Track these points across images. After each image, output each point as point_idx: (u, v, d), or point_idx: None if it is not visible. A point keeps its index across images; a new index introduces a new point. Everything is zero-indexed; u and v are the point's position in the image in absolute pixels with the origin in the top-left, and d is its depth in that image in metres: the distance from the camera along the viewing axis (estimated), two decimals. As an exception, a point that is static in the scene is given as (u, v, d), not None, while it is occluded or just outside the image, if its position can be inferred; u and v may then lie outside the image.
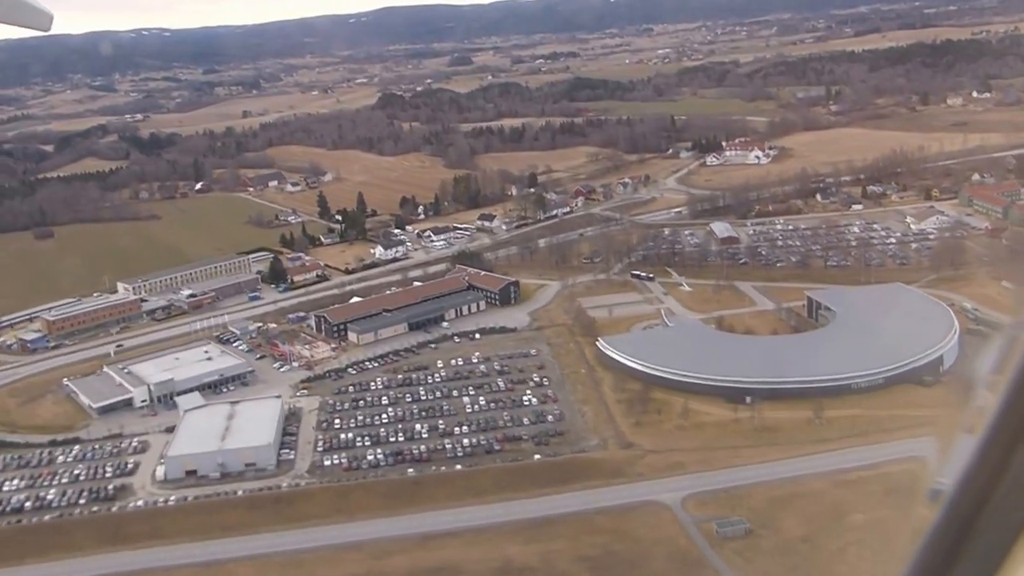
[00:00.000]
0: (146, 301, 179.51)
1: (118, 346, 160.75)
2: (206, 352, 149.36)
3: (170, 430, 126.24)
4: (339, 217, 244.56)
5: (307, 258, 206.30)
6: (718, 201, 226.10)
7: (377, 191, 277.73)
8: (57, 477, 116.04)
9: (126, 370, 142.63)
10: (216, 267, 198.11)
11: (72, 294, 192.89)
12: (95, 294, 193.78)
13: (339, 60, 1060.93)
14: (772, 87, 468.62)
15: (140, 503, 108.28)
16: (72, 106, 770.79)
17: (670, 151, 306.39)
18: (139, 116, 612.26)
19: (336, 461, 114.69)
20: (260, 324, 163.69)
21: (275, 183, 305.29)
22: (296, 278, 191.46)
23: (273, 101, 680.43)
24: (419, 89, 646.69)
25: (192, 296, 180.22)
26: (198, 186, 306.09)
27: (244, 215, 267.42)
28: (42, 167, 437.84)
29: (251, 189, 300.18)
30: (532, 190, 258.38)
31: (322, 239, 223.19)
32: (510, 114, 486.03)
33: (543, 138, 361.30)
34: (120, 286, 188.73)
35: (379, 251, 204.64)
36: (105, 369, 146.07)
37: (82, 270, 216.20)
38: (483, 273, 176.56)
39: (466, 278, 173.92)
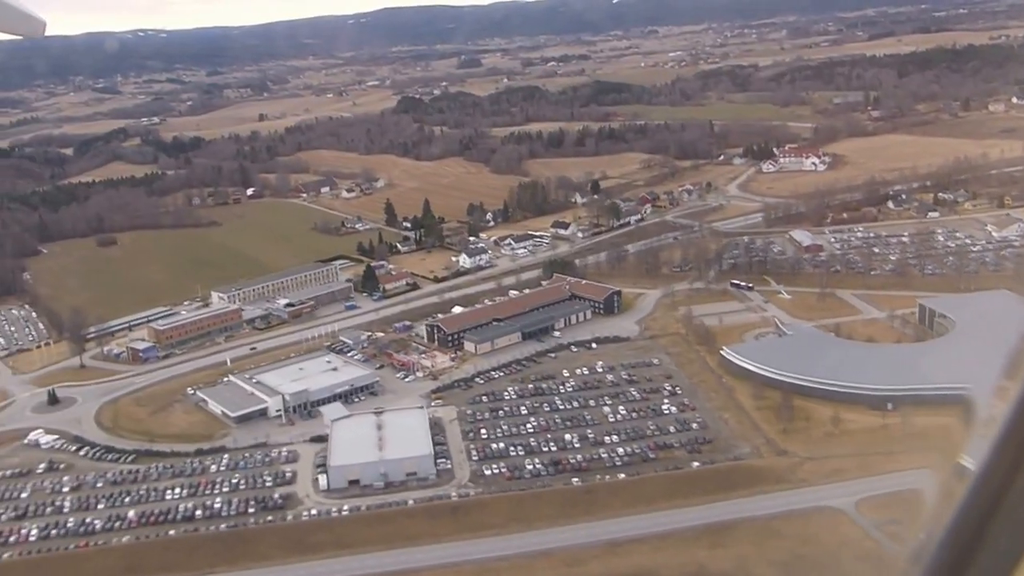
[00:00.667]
0: (243, 310, 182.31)
1: (252, 348, 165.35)
2: (328, 362, 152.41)
3: (315, 439, 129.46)
4: (407, 224, 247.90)
5: (391, 266, 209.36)
6: (790, 209, 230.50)
7: (433, 197, 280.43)
8: (217, 486, 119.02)
9: (254, 380, 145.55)
10: (305, 276, 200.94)
11: (160, 303, 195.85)
12: (185, 303, 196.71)
13: (342, 62, 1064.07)
14: (801, 91, 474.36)
15: (313, 512, 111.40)
16: (79, 108, 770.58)
17: (720, 157, 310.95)
18: (155, 119, 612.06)
19: (496, 471, 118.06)
20: (370, 333, 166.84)
21: (327, 189, 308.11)
22: (387, 287, 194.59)
23: (287, 104, 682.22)
24: (436, 92, 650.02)
25: (290, 305, 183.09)
26: (249, 192, 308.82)
27: (306, 221, 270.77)
28: (68, 171, 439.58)
29: (304, 195, 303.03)
30: (596, 197, 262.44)
31: (399, 247, 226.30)
32: (537, 118, 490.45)
33: (584, 144, 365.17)
34: (215, 295, 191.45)
35: (463, 259, 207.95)
36: (231, 378, 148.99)
37: (160, 278, 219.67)
38: (583, 282, 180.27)
39: (567, 287, 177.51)
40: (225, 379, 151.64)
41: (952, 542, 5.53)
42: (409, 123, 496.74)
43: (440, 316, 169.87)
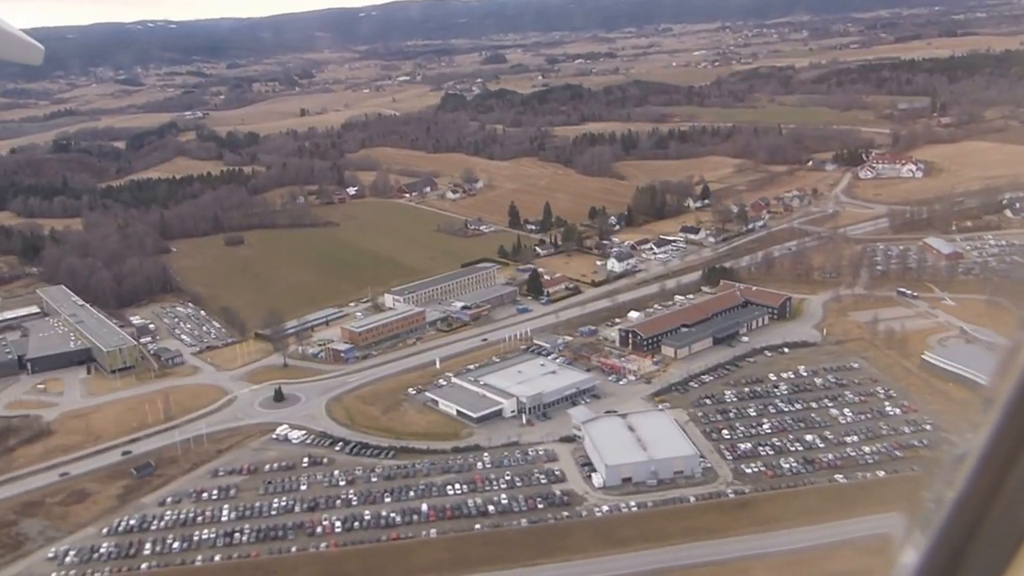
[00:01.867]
0: (425, 313, 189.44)
1: (481, 340, 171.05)
2: (542, 365, 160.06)
3: (563, 440, 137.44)
4: (532, 226, 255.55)
5: (541, 269, 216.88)
6: (912, 215, 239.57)
7: (537, 199, 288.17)
8: (493, 483, 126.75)
9: (482, 382, 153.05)
10: (468, 279, 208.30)
11: (321, 304, 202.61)
12: (351, 304, 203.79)
13: (359, 55, 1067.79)
14: (852, 95, 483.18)
15: (604, 508, 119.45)
16: (108, 101, 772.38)
17: (810, 163, 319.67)
18: (198, 114, 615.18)
19: (755, 469, 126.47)
20: (564, 338, 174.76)
21: (428, 189, 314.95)
22: (549, 290, 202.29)
23: (323, 99, 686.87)
24: (475, 90, 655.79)
25: (466, 308, 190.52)
26: (352, 191, 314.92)
27: (423, 222, 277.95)
28: (134, 166, 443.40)
29: (407, 195, 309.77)
30: (708, 201, 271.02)
31: (539, 250, 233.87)
32: (592, 118, 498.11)
33: (662, 146, 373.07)
34: (389, 298, 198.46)
35: (612, 263, 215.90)
36: (455, 380, 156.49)
37: (307, 278, 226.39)
38: (754, 288, 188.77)
39: (739, 293, 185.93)
40: (441, 381, 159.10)
41: (943, 543, 5.64)
42: (465, 121, 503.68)
43: (632, 321, 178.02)
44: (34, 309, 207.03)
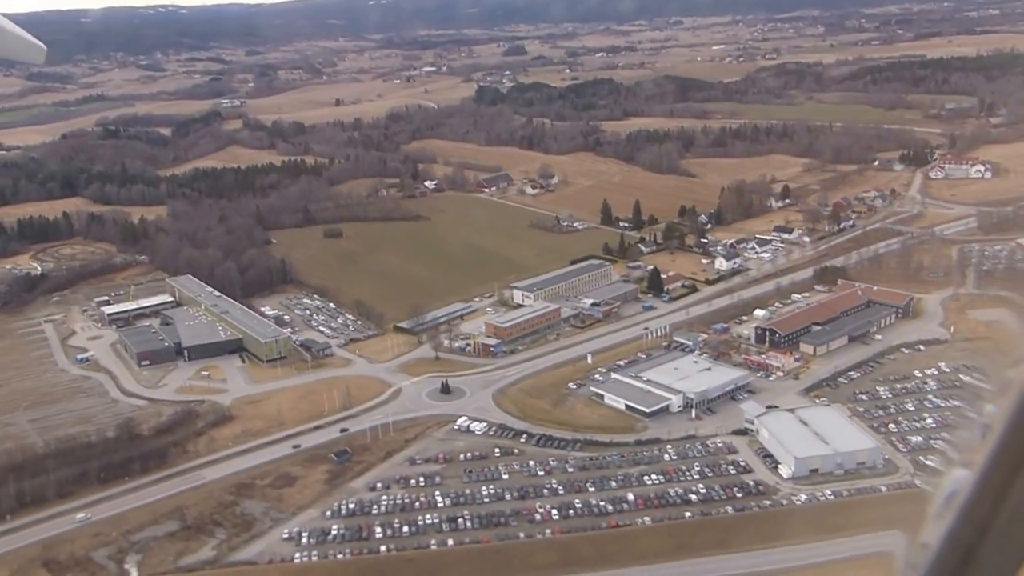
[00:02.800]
0: (560, 309, 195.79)
1: (645, 329, 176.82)
2: (695, 362, 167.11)
3: (737, 432, 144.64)
4: (624, 224, 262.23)
5: (649, 268, 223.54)
6: (1001, 216, 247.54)
7: (614, 196, 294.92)
8: (685, 473, 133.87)
9: (645, 378, 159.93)
10: (587, 276, 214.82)
11: (440, 299, 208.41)
12: (475, 299, 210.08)
13: (375, 44, 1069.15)
14: (891, 93, 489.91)
15: (803, 497, 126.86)
16: (135, 86, 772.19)
17: (876, 162, 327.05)
18: (236, 102, 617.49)
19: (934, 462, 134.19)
20: (703, 335, 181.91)
21: (504, 184, 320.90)
22: (668, 288, 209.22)
23: (354, 88, 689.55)
24: (506, 83, 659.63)
25: (596, 305, 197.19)
26: (431, 185, 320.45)
27: (511, 217, 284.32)
28: (189, 154, 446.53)
29: (486, 190, 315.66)
30: (788, 201, 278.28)
31: (642, 248, 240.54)
32: (635, 113, 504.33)
33: (719, 143, 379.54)
34: (518, 294, 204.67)
35: (720, 262, 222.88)
36: (615, 376, 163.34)
37: (422, 272, 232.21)
38: (875, 288, 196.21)
39: (860, 293, 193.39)
40: (596, 376, 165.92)
41: (946, 557, 5.74)
42: (509, 114, 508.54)
43: (760, 319, 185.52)
44: (167, 298, 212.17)
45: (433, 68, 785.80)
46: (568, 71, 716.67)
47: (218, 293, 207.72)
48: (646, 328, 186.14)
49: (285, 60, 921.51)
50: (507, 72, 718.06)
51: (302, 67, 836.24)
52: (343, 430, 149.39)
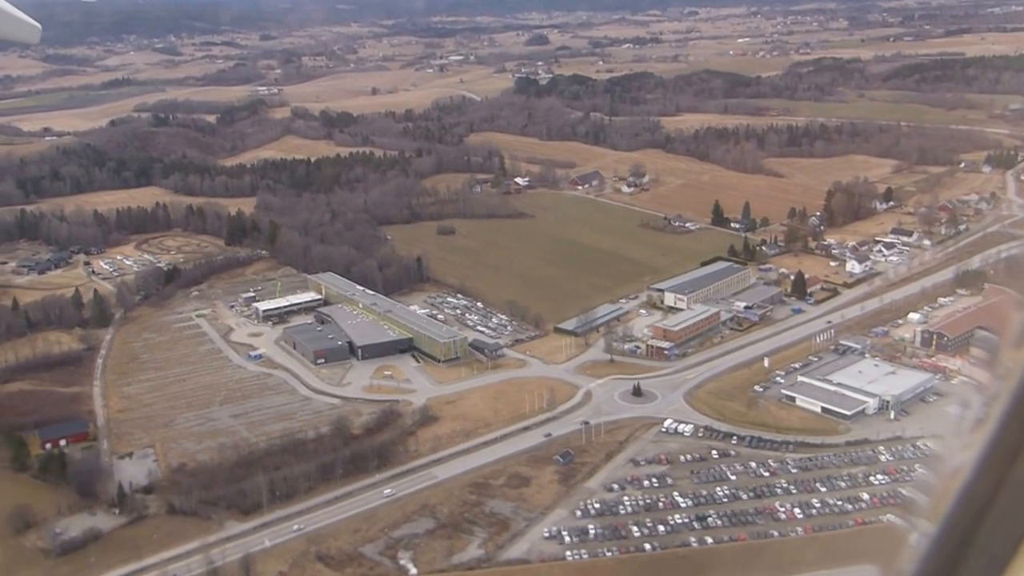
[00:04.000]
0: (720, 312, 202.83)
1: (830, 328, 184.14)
2: (876, 365, 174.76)
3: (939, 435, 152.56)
4: (736, 225, 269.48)
5: (781, 270, 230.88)
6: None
7: (706, 195, 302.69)
8: (906, 474, 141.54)
9: (835, 381, 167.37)
10: (731, 279, 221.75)
11: (584, 298, 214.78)
12: (622, 300, 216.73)
13: (387, 30, 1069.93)
14: (947, 92, 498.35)
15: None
16: (158, 71, 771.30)
17: (963, 164, 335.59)
18: (275, 89, 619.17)
19: None
20: (869, 338, 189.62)
21: (595, 182, 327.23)
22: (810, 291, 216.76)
23: (387, 77, 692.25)
24: (543, 74, 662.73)
25: (749, 308, 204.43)
26: (523, 182, 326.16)
27: (617, 216, 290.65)
28: (246, 144, 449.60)
29: (580, 187, 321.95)
30: (892, 203, 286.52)
31: (764, 250, 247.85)
32: (688, 109, 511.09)
33: (794, 142, 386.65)
34: (670, 296, 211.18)
35: (852, 265, 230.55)
36: (802, 379, 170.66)
37: (550, 272, 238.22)
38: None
39: (1013, 296, 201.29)
40: (777, 378, 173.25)
41: (944, 539, 5.86)
42: (561, 108, 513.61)
43: (915, 322, 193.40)
44: (314, 295, 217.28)
45: (460, 57, 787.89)
46: (601, 63, 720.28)
47: (371, 292, 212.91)
48: (829, 323, 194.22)
49: (302, 46, 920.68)
50: (539, 63, 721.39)
51: (323, 53, 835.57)
52: (583, 423, 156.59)
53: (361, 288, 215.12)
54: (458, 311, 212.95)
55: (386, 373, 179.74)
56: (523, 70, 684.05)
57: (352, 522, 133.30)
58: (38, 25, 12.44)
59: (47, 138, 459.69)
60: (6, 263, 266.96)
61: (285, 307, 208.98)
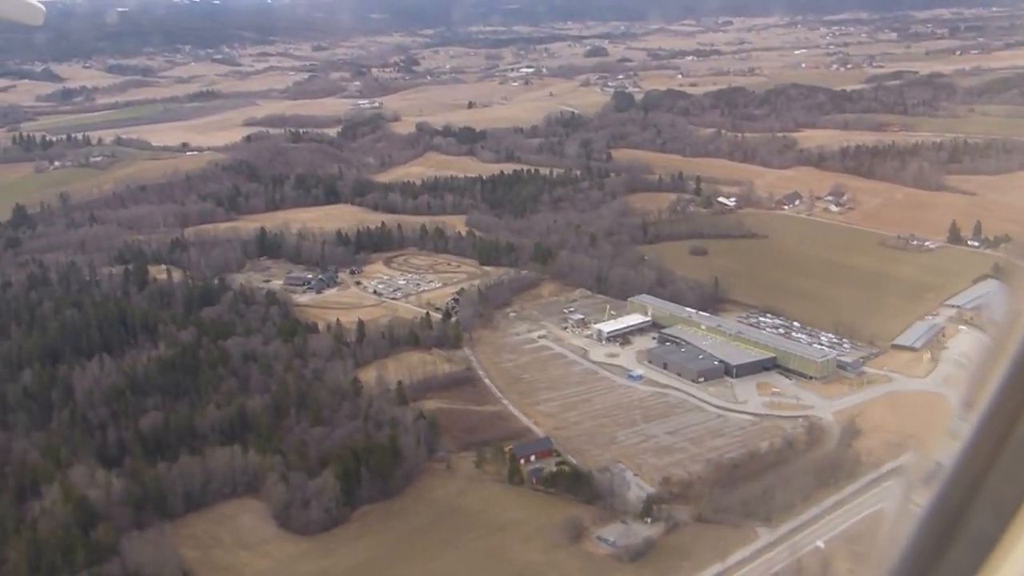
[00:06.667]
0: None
1: None
2: None
3: None
4: (974, 243, 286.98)
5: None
6: None
7: (910, 213, 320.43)
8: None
9: None
10: None
11: (887, 316, 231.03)
12: (927, 317, 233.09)
13: (431, 40, 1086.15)
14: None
15: None
16: (233, 83, 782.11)
17: None
18: (376, 102, 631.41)
19: None
20: None
21: (796, 202, 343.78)
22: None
23: (475, 90, 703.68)
24: (628, 88, 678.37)
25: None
26: (729, 202, 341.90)
27: (844, 236, 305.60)
28: (394, 159, 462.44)
29: (786, 207, 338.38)
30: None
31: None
32: (805, 125, 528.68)
33: (955, 159, 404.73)
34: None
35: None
36: None
37: (836, 291, 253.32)
38: None
39: None
40: None
41: (929, 526, 5.98)
42: (684, 124, 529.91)
43: None
44: (642, 317, 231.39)
45: (531, 69, 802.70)
46: (680, 76, 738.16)
47: (705, 312, 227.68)
48: None
49: (357, 57, 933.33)
50: (619, 76, 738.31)
51: (388, 65, 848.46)
52: None
53: (692, 310, 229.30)
54: (781, 330, 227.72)
55: (774, 390, 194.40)
56: (609, 84, 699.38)
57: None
58: (42, 7, 12.84)
59: (188, 153, 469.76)
60: (268, 281, 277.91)
61: (625, 328, 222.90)
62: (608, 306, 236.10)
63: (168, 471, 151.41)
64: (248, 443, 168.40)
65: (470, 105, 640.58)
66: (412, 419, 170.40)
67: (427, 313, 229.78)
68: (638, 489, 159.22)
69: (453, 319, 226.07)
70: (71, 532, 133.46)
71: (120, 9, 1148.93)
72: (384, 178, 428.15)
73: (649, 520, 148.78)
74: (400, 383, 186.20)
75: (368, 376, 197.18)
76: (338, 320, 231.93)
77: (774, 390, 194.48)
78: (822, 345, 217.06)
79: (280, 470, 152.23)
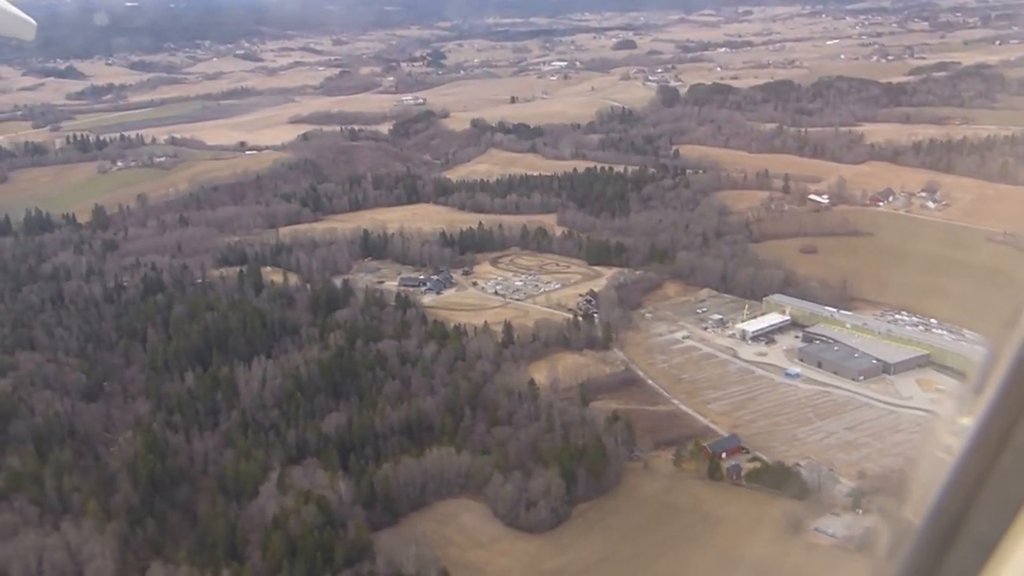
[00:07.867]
0: None
1: None
2: None
3: None
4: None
5: None
6: None
7: (1008, 209, 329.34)
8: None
9: None
10: None
11: None
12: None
13: (447, 32, 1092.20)
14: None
15: None
16: (263, 79, 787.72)
17: None
18: (420, 99, 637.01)
19: None
20: None
21: (891, 198, 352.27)
22: None
23: (512, 85, 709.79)
24: (672, 82, 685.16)
25: None
26: (822, 200, 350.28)
27: (950, 233, 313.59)
28: (458, 157, 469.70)
29: (880, 204, 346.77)
30: None
31: None
32: (864, 119, 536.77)
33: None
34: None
35: None
36: None
37: (964, 288, 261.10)
38: None
39: None
40: None
41: (933, 524, 6.17)
42: (741, 119, 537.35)
43: None
44: (781, 316, 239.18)
45: (564, 63, 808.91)
46: (719, 69, 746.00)
47: (847, 312, 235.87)
48: None
49: (379, 51, 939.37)
50: (659, 70, 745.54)
51: (417, 60, 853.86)
52: None
53: (832, 308, 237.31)
54: (919, 327, 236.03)
55: (937, 387, 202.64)
56: (650, 78, 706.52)
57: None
58: (33, 22, 12.85)
59: (247, 152, 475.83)
60: (382, 282, 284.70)
61: (767, 328, 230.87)
62: (747, 306, 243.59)
63: (394, 472, 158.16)
64: (431, 444, 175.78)
65: (512, 100, 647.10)
66: (605, 420, 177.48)
67: (575, 315, 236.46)
68: (836, 483, 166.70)
69: (596, 320, 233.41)
70: (325, 532, 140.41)
71: (129, 3, 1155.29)
72: (451, 176, 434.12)
73: (860, 512, 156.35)
74: (581, 385, 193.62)
75: (532, 378, 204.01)
76: (486, 323, 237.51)
77: (938, 387, 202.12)
78: (968, 343, 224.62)
79: (500, 470, 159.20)
